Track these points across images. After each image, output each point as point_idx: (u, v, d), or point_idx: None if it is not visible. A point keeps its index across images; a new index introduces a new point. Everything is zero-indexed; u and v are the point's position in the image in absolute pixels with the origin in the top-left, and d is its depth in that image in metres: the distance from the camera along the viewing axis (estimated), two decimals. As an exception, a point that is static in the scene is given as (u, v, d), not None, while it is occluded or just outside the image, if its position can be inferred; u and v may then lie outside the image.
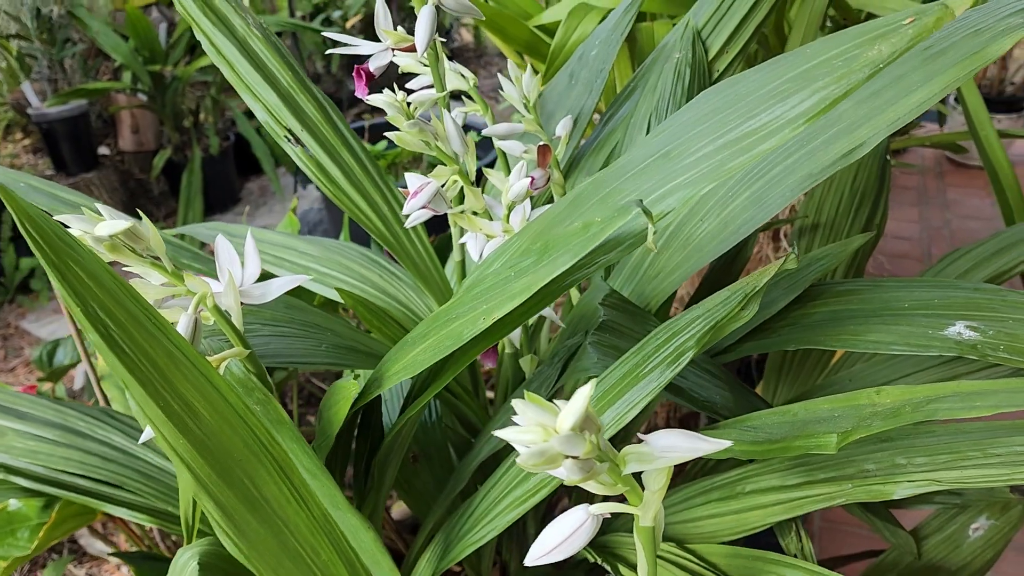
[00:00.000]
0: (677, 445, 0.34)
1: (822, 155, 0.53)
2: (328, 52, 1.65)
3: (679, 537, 0.57)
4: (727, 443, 0.34)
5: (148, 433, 0.48)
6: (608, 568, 0.51)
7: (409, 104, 0.59)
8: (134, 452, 0.69)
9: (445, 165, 0.59)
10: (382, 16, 0.60)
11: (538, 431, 0.31)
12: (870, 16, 1.06)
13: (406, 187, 0.59)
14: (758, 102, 0.39)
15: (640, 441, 0.35)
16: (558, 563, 0.70)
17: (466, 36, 3.10)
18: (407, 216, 0.61)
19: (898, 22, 0.36)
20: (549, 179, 0.65)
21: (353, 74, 0.61)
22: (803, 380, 0.81)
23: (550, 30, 1.11)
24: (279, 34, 2.50)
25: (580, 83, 0.75)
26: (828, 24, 1.17)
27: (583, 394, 0.31)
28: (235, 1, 0.71)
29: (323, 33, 0.64)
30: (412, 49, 0.58)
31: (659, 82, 0.71)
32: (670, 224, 0.63)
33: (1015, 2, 0.47)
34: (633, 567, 0.52)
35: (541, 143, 0.63)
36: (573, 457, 0.31)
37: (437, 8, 0.56)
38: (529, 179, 0.54)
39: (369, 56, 0.60)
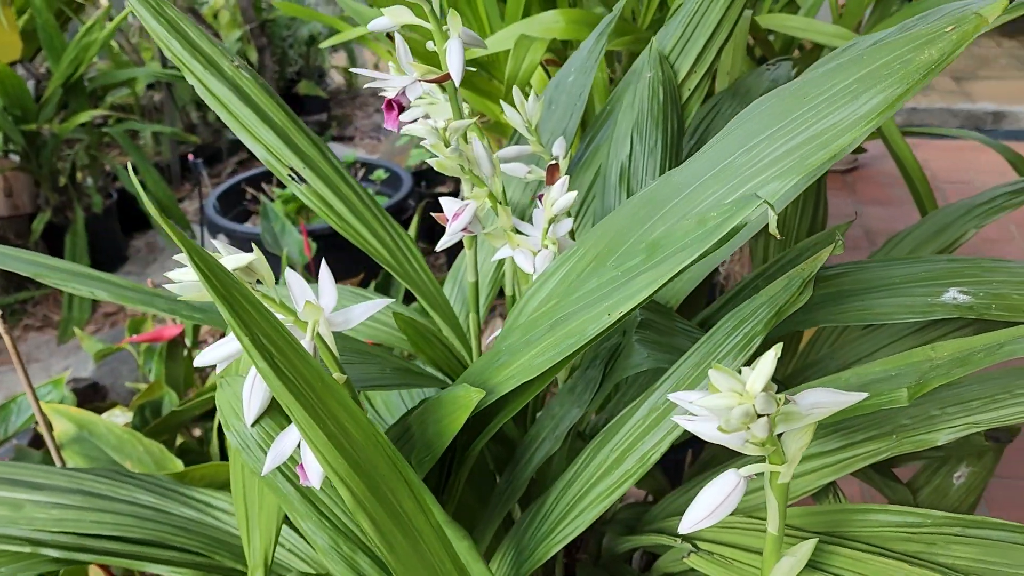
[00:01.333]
0: (822, 401, 0.39)
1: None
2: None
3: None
4: (864, 395, 0.39)
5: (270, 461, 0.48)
6: (692, 548, 0.55)
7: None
8: (166, 509, 0.67)
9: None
10: (403, 52, 0.63)
11: (732, 396, 0.35)
12: (772, 34, 1.17)
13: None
14: (827, 103, 0.44)
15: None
16: (607, 560, 0.74)
17: (338, 79, 3.10)
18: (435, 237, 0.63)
19: (941, 30, 0.43)
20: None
21: (384, 107, 0.63)
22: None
23: (482, 63, 1.16)
24: (150, 86, 2.43)
25: (560, 108, 0.80)
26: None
27: (770, 357, 0.35)
28: (219, 44, 0.72)
29: (352, 70, 0.66)
30: (439, 80, 0.61)
31: (635, 100, 0.77)
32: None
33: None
34: (708, 542, 0.56)
35: (551, 162, 0.67)
36: (765, 415, 0.35)
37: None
38: (572, 193, 0.58)
39: (393, 89, 0.62)
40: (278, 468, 0.49)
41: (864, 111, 0.43)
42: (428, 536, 0.46)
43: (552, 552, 0.55)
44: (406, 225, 1.80)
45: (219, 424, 0.99)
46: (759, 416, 0.35)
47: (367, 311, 0.51)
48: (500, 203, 0.63)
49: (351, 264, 1.61)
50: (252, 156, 2.77)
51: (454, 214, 0.61)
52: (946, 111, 2.80)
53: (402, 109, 0.61)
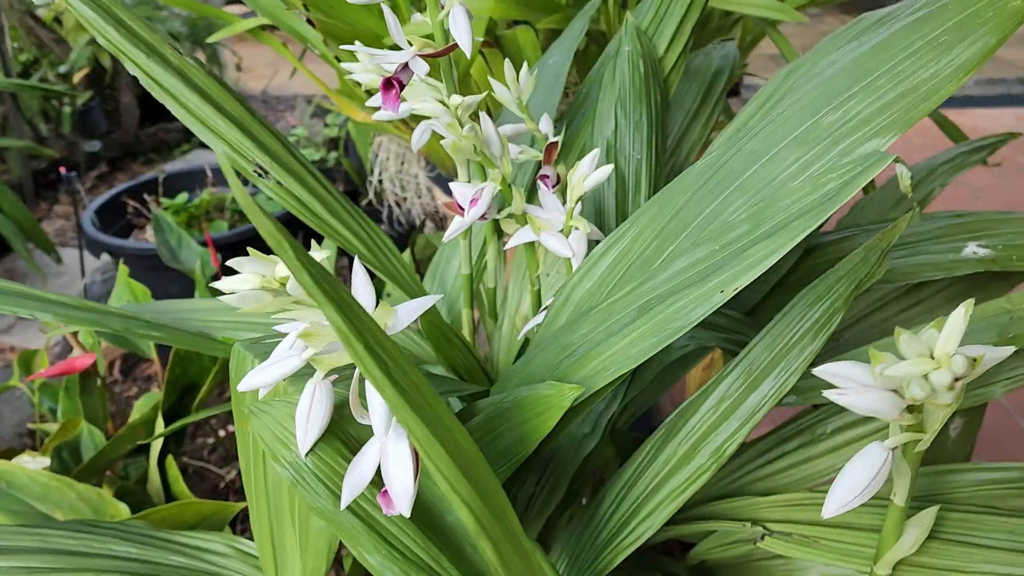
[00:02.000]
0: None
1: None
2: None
3: (767, 492, 0.60)
4: (1012, 348, 0.37)
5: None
6: (764, 531, 0.52)
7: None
8: (153, 559, 0.58)
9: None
10: (393, 25, 0.57)
11: (924, 361, 0.32)
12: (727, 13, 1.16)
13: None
14: (916, 57, 0.42)
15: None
16: (644, 551, 0.70)
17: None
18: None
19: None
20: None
21: (381, 87, 0.57)
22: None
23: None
24: (-10, 96, 2.20)
25: (540, 89, 0.75)
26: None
27: (960, 314, 0.32)
28: (160, 31, 0.63)
29: (344, 47, 0.59)
30: (442, 53, 0.55)
31: (617, 75, 0.73)
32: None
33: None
34: (779, 522, 0.54)
35: (550, 141, 0.63)
36: (959, 379, 0.33)
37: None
38: (608, 167, 0.54)
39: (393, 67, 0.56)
40: (327, 500, 0.42)
41: (962, 61, 0.41)
42: (528, 549, 0.41)
43: (619, 560, 0.51)
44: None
45: (158, 460, 0.89)
46: (956, 380, 0.32)
47: (416, 310, 0.45)
48: (512, 185, 0.58)
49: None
50: (115, 168, 2.57)
51: (471, 200, 0.55)
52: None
53: (402, 87, 0.55)
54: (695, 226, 0.47)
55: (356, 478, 0.40)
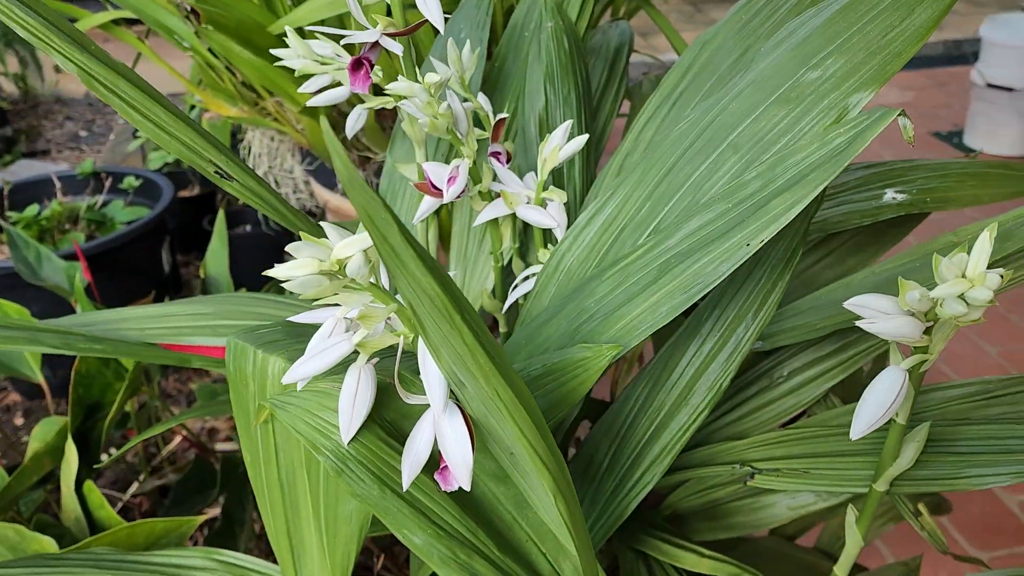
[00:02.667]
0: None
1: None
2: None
3: (736, 436, 0.64)
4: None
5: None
6: (752, 470, 0.56)
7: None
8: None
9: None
10: (354, 5, 0.55)
11: (960, 281, 0.36)
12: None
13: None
14: (880, 18, 0.46)
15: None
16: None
17: (8, 87, 2.67)
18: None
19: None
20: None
21: (348, 69, 0.55)
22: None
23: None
24: None
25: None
26: None
27: (986, 237, 0.36)
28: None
29: (311, 29, 0.57)
30: (409, 31, 0.55)
31: (542, 51, 0.75)
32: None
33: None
34: (762, 461, 0.57)
35: (499, 117, 0.64)
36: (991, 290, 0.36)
37: None
38: (583, 136, 0.55)
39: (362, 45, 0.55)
40: (373, 486, 0.42)
41: (923, 20, 0.45)
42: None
43: (631, 508, 0.53)
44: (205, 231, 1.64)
45: (76, 483, 0.83)
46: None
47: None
48: (478, 162, 0.59)
49: (134, 286, 1.41)
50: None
51: (449, 178, 0.55)
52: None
53: (371, 67, 0.54)
54: (689, 186, 0.49)
55: (414, 458, 0.40)
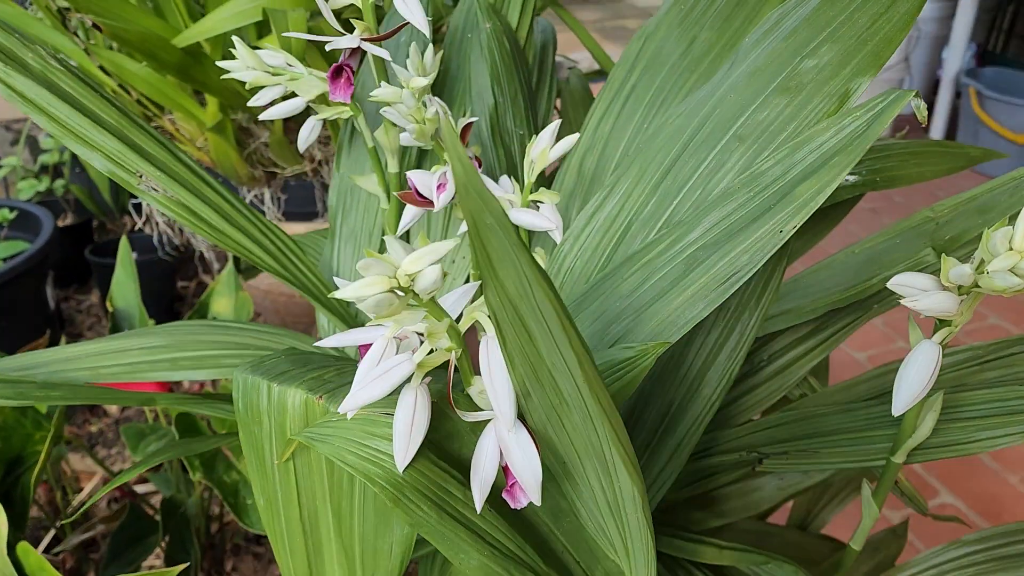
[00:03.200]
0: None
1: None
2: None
3: (727, 423, 0.65)
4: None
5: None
6: (759, 455, 0.57)
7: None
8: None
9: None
10: (325, 8, 0.52)
11: (1013, 254, 0.37)
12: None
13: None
14: (870, 4, 0.48)
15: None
16: None
17: None
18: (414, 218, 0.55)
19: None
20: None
21: (329, 76, 0.51)
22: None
23: (193, 52, 1.00)
24: None
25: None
26: None
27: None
28: (16, 33, 0.54)
29: (287, 35, 0.53)
30: (384, 37, 0.52)
31: (486, 53, 0.74)
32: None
33: None
34: (767, 445, 0.58)
35: (467, 122, 0.62)
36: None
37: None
38: (573, 136, 0.55)
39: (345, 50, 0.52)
40: (430, 512, 0.40)
41: (908, 7, 0.47)
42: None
43: (652, 507, 0.53)
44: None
45: (8, 546, 0.75)
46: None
47: (464, 296, 0.43)
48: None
49: (22, 328, 1.30)
50: None
51: (438, 185, 0.53)
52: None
53: (353, 73, 0.52)
54: (697, 178, 0.49)
55: (483, 478, 0.38)
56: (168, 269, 1.55)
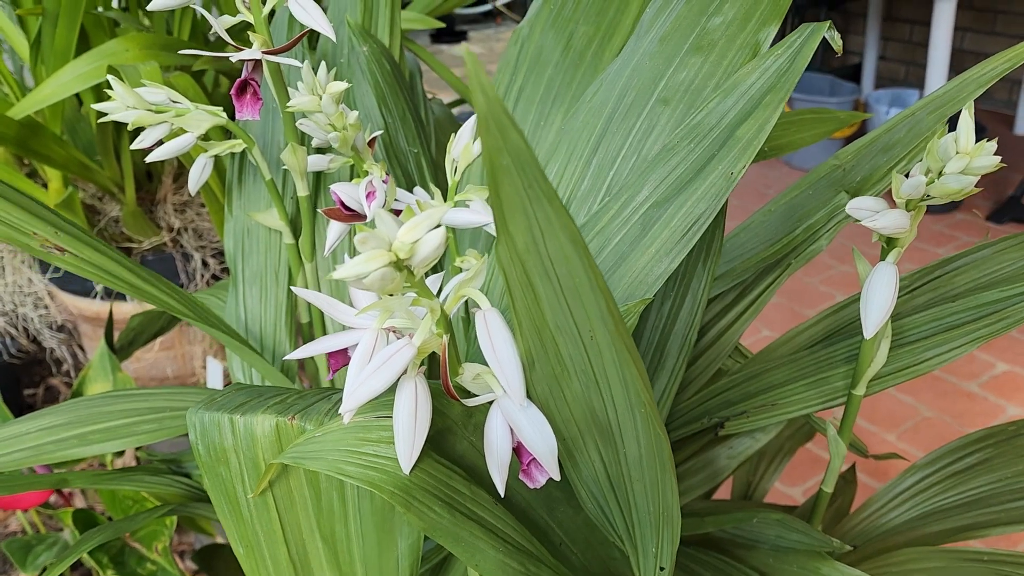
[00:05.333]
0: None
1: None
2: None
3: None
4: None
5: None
6: (719, 419, 0.57)
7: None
8: None
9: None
10: (216, 23, 0.49)
11: (962, 156, 0.39)
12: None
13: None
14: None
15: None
16: None
17: None
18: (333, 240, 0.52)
19: None
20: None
21: (233, 93, 0.47)
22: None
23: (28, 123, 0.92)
24: None
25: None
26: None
27: (965, 114, 0.40)
28: None
29: (189, 52, 0.49)
30: (286, 48, 0.49)
31: (368, 75, 0.72)
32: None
33: None
34: (724, 408, 0.58)
35: (371, 136, 0.60)
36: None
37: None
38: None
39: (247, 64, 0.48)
40: (443, 513, 0.37)
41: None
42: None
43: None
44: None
45: None
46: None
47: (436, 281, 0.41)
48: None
49: None
50: None
51: (367, 194, 0.51)
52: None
53: (257, 87, 0.49)
54: (629, 145, 0.49)
55: (499, 461, 0.36)
56: (11, 375, 1.41)
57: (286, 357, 0.38)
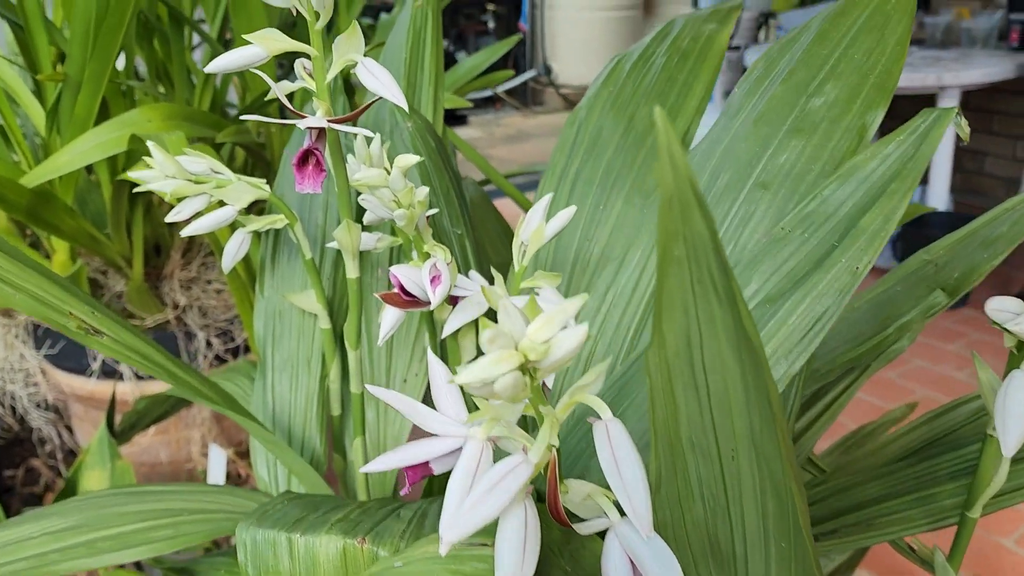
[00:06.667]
0: None
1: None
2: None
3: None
4: None
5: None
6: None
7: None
8: None
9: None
10: (278, 89, 0.45)
11: None
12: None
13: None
14: (860, 39, 0.47)
15: None
16: None
17: None
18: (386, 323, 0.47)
19: None
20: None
21: (295, 164, 0.43)
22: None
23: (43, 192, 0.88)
24: None
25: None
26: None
27: None
28: None
29: (243, 117, 0.44)
30: (352, 117, 0.45)
31: (412, 151, 0.68)
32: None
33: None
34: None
35: (428, 212, 0.56)
36: None
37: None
38: (570, 208, 0.49)
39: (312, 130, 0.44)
40: None
41: (897, 37, 0.47)
42: None
43: None
44: None
45: None
46: None
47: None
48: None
49: None
50: None
51: (432, 279, 0.46)
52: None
53: (321, 157, 0.44)
54: (724, 233, 0.45)
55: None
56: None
57: (363, 469, 0.32)
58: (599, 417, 0.31)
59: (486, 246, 0.92)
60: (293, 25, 1.25)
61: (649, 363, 0.26)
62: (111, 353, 0.45)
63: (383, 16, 1.69)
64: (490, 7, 4.64)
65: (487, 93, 4.41)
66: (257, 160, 1.09)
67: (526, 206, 1.13)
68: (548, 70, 4.36)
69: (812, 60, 0.47)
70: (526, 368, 0.26)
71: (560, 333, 0.26)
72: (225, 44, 1.17)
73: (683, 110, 0.61)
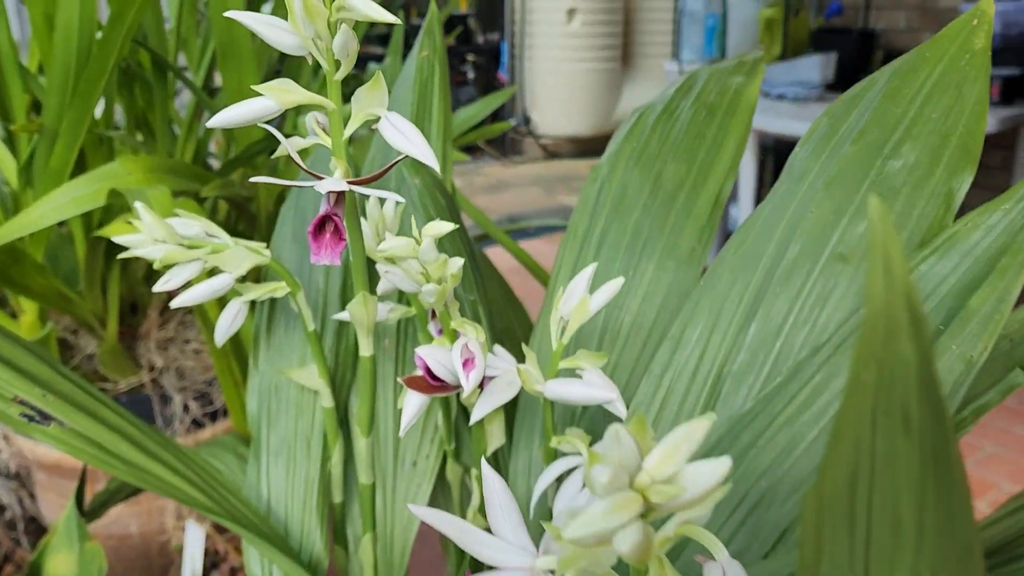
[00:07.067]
0: None
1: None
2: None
3: None
4: None
5: None
6: None
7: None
8: None
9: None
10: (292, 148, 0.40)
11: None
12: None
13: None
14: (936, 96, 0.43)
15: None
16: None
17: None
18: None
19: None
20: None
21: (311, 232, 0.37)
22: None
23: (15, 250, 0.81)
24: None
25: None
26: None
27: None
28: None
29: (253, 180, 0.38)
30: (375, 178, 0.40)
31: (420, 210, 0.63)
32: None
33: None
34: None
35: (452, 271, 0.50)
36: None
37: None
38: (616, 281, 0.44)
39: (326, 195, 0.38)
40: None
41: (975, 95, 0.42)
42: None
43: None
44: None
45: None
46: None
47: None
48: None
49: None
50: None
51: (464, 361, 0.40)
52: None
53: (340, 223, 0.38)
54: (800, 310, 0.40)
55: None
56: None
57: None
58: (708, 554, 0.25)
59: (492, 310, 0.86)
60: (278, 73, 1.20)
61: (807, 501, 0.20)
62: (60, 446, 0.39)
63: (371, 66, 1.65)
64: (469, 58, 4.65)
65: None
66: (241, 213, 1.03)
67: (528, 263, 1.08)
68: (527, 120, 4.36)
69: (885, 119, 0.43)
70: (648, 512, 0.20)
71: (688, 467, 0.20)
72: (210, 93, 1.11)
73: (714, 169, 0.56)
